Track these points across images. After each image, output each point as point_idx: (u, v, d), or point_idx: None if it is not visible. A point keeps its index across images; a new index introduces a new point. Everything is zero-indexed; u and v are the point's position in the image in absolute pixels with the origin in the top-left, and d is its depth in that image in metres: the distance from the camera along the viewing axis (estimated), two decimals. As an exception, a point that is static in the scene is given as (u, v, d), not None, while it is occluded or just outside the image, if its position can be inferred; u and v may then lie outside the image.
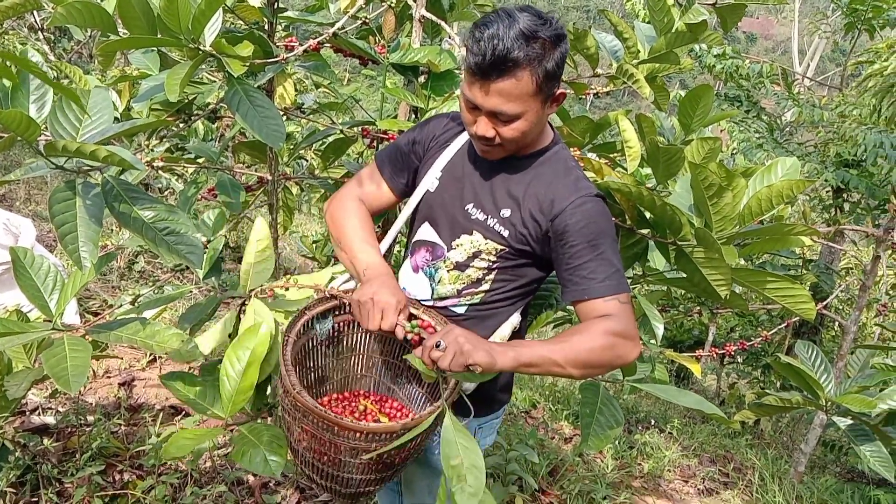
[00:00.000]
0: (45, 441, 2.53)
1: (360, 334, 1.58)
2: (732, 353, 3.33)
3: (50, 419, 2.75)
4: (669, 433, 4.55)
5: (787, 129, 6.95)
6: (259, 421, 1.47)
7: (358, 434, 1.22)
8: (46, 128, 1.37)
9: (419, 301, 1.56)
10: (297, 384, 1.23)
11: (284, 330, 1.35)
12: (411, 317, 1.41)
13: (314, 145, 3.21)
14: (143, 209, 1.38)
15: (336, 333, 1.52)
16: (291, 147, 2.64)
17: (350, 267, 1.52)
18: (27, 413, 2.81)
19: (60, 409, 2.90)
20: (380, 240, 1.61)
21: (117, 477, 2.51)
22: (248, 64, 1.61)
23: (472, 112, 1.39)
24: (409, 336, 1.36)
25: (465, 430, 1.29)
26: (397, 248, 2.42)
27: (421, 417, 1.28)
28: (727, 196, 1.50)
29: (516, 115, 1.33)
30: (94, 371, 3.32)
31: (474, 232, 1.49)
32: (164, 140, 2.78)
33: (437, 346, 1.25)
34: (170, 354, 1.35)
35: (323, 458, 1.28)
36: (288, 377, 1.24)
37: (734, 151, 6.20)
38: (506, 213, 1.46)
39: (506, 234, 1.46)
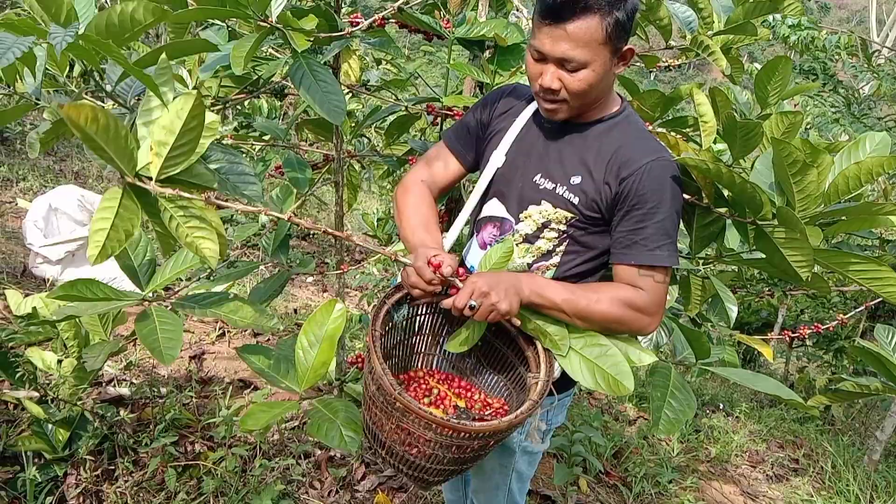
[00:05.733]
0: (122, 412, 2.62)
1: (429, 316, 1.57)
2: (806, 335, 3.20)
3: (125, 390, 2.85)
4: (737, 417, 4.45)
5: (866, 102, 6.61)
6: (334, 395, 1.48)
7: (463, 434, 1.21)
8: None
9: None
10: (397, 385, 1.21)
11: (370, 326, 1.33)
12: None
13: (376, 123, 3.21)
14: (211, 162, 1.39)
15: (409, 317, 1.52)
16: (354, 124, 2.64)
17: (406, 248, 1.54)
18: (103, 384, 2.91)
19: (135, 381, 3.00)
20: (442, 219, 1.59)
21: (189, 448, 2.59)
22: (312, 38, 1.60)
23: (538, 64, 1.36)
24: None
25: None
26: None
27: (522, 413, 1.26)
28: (812, 173, 1.43)
29: (584, 62, 1.31)
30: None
31: (543, 202, 1.46)
32: (233, 118, 2.82)
33: (471, 308, 1.28)
34: (251, 326, 1.39)
35: (413, 451, 1.27)
36: (385, 377, 1.21)
37: (808, 126, 5.94)
38: (576, 180, 1.42)
39: (576, 201, 1.42)
